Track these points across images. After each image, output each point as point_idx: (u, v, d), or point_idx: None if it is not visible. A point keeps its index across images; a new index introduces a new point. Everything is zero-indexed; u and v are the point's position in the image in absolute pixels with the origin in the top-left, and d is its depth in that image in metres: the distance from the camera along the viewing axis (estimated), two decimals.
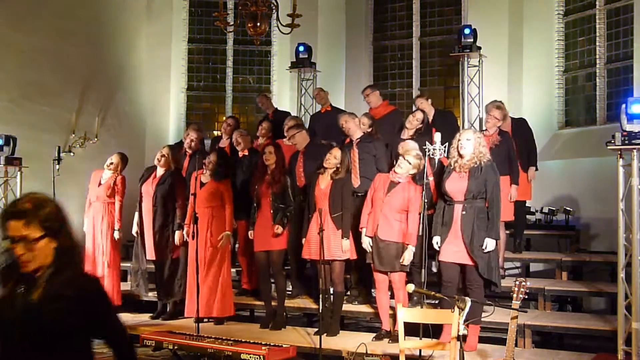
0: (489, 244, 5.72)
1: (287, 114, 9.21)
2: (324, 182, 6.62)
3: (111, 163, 7.86)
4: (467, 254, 5.73)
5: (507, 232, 7.83)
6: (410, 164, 6.18)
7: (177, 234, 7.34)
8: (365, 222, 6.31)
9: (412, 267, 6.40)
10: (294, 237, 7.06)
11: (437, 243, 5.88)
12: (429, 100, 8.05)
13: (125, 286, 8.15)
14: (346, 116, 7.33)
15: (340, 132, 8.28)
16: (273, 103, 9.93)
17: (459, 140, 5.83)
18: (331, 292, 6.67)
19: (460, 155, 5.81)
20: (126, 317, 7.52)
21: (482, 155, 5.81)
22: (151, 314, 7.54)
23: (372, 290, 7.00)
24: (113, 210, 7.76)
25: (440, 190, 5.95)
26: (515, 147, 7.26)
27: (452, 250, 5.80)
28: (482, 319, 5.75)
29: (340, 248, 6.49)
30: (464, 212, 5.75)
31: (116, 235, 7.72)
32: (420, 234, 6.05)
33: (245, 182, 7.48)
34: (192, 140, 8.20)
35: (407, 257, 6.12)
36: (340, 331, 6.70)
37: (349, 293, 7.27)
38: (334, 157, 6.57)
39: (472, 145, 5.78)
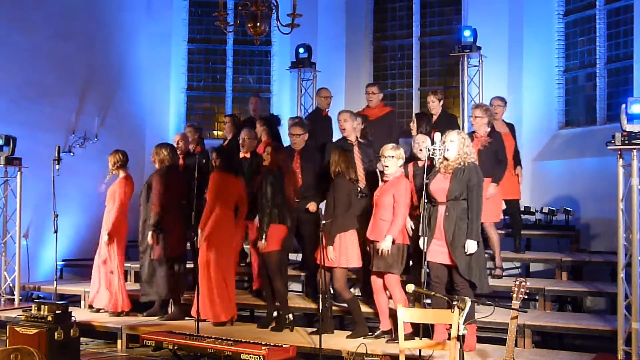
0: (470, 246, 5.69)
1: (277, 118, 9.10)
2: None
3: (112, 164, 7.87)
4: (448, 255, 5.75)
5: (502, 232, 7.85)
6: (392, 157, 6.17)
7: (150, 234, 7.37)
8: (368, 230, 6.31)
9: (412, 267, 6.40)
10: (313, 241, 7.11)
11: (423, 244, 5.86)
12: (441, 101, 8.03)
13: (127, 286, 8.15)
14: (347, 115, 7.26)
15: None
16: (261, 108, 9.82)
17: (443, 142, 5.84)
18: (331, 292, 6.67)
19: (445, 158, 5.83)
20: (126, 317, 7.57)
21: (466, 155, 5.82)
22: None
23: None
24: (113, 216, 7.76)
25: (426, 192, 5.93)
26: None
27: (437, 250, 5.82)
28: (482, 319, 5.75)
29: (338, 254, 6.42)
30: (447, 214, 5.76)
31: (104, 237, 7.70)
32: (420, 233, 6.04)
33: (246, 183, 7.46)
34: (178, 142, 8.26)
35: (383, 245, 6.04)
36: (340, 331, 6.69)
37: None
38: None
39: (456, 147, 5.79)
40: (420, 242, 5.90)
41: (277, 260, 6.89)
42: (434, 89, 9.39)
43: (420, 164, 6.57)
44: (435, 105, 7.87)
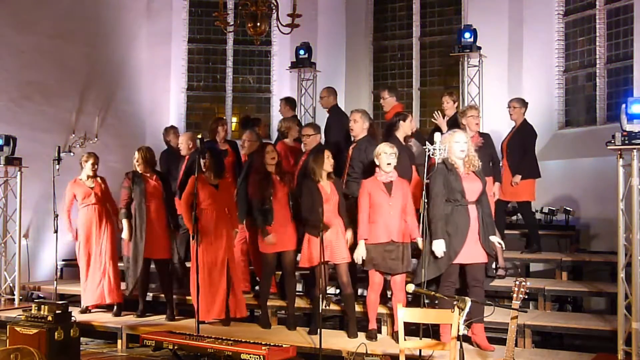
0: (497, 240, 5.95)
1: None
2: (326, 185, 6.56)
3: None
4: (484, 252, 5.81)
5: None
6: (386, 152, 6.15)
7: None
8: (366, 232, 6.18)
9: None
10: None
11: (442, 248, 5.74)
12: (455, 104, 8.04)
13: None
14: (358, 115, 7.04)
15: (339, 132, 8.24)
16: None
17: (456, 142, 5.84)
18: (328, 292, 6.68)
19: (467, 156, 5.88)
20: (126, 317, 7.57)
21: (474, 157, 5.93)
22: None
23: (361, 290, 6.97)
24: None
25: (446, 191, 5.83)
26: None
27: (477, 251, 5.80)
28: (483, 319, 5.75)
29: (342, 250, 6.42)
30: (477, 212, 5.83)
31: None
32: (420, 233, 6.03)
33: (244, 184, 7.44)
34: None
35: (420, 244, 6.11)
36: (340, 331, 6.68)
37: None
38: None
39: (468, 147, 5.89)
40: (439, 246, 5.74)
41: (294, 259, 6.93)
42: (433, 89, 9.39)
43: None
44: (449, 107, 7.91)
